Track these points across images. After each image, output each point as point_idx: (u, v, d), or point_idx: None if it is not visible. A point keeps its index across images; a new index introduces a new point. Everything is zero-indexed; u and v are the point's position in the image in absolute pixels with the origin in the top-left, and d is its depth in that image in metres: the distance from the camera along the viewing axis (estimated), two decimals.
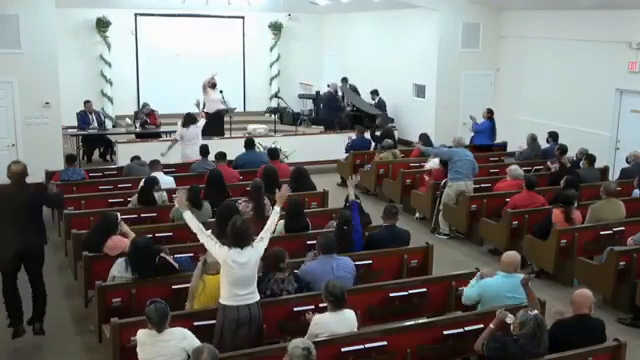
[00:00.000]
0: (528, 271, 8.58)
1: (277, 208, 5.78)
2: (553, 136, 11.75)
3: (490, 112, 13.26)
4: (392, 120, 16.15)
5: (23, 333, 6.51)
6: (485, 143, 12.73)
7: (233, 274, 5.22)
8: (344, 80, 16.99)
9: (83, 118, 14.14)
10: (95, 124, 14.29)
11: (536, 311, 4.93)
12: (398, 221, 7.46)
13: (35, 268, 6.50)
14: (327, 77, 19.03)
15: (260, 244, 5.42)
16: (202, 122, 11.84)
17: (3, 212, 6.31)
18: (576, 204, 8.43)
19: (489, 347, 4.94)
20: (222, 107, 14.02)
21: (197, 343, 4.79)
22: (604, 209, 8.43)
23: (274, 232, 7.37)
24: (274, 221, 5.62)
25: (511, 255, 6.00)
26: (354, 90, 16.89)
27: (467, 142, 12.38)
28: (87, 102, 14.37)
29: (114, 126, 16.26)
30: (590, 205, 8.58)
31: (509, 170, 10.06)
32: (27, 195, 6.37)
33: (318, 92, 17.98)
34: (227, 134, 14.70)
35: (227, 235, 5.39)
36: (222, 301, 5.31)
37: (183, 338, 4.82)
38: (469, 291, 6.00)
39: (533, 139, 11.98)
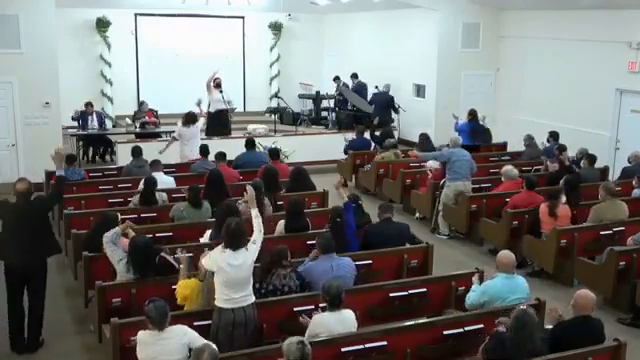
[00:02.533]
0: (528, 270, 8.62)
1: (254, 211, 5.66)
2: (554, 136, 11.75)
3: (471, 114, 13.11)
4: (393, 120, 16.06)
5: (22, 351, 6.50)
6: (464, 143, 12.60)
7: (227, 276, 5.23)
8: (354, 76, 16.82)
9: (83, 118, 14.12)
10: (95, 123, 14.25)
11: (526, 306, 4.97)
12: (394, 216, 7.48)
13: (37, 283, 6.49)
14: (327, 77, 19.02)
15: (253, 247, 5.43)
16: (201, 122, 11.83)
17: (10, 225, 6.34)
18: (563, 199, 8.45)
19: (488, 348, 4.94)
20: (222, 107, 14.03)
21: (198, 338, 4.82)
22: (607, 211, 8.40)
23: (274, 232, 7.44)
24: (259, 223, 5.59)
25: (508, 255, 5.99)
26: (364, 87, 16.76)
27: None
28: (87, 104, 14.29)
29: (114, 126, 16.26)
30: (593, 206, 8.53)
31: (503, 172, 10.04)
32: (32, 209, 6.41)
33: (318, 92, 17.96)
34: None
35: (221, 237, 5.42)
36: (217, 303, 5.32)
37: (184, 334, 4.83)
38: (472, 297, 5.98)
39: (530, 138, 11.99)
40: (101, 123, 14.46)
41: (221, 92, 13.94)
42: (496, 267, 6.00)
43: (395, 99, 15.87)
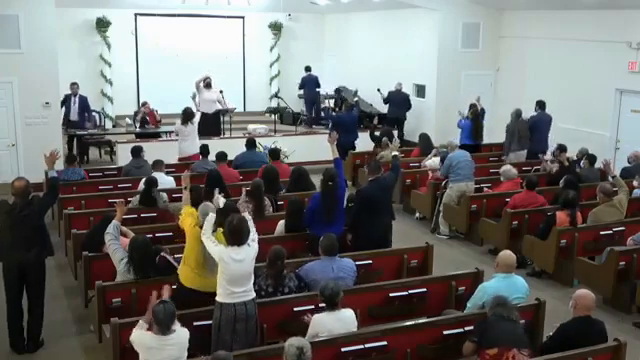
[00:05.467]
0: (528, 271, 8.62)
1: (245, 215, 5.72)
2: (540, 104, 11.93)
3: (472, 113, 13.07)
4: (406, 118, 15.94)
5: (22, 351, 6.51)
6: (467, 143, 12.56)
7: (230, 270, 5.26)
8: (308, 69, 17.20)
9: (66, 101, 13.81)
10: (77, 107, 13.91)
11: None
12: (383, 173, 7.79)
13: (35, 282, 6.48)
14: (327, 77, 19.04)
15: (254, 244, 5.48)
16: (197, 117, 11.86)
17: (8, 225, 6.34)
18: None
19: (472, 333, 5.25)
20: (219, 107, 14.01)
21: None
22: (604, 213, 8.41)
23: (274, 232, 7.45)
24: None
25: (509, 255, 5.98)
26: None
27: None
28: (73, 84, 13.91)
29: (114, 126, 16.24)
30: (593, 210, 8.52)
31: (502, 172, 10.04)
32: (30, 209, 6.39)
33: (318, 92, 17.95)
34: (227, 134, 14.70)
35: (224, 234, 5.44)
36: (219, 299, 5.35)
37: (187, 340, 4.88)
38: (471, 301, 5.97)
39: (517, 115, 12.07)
40: (83, 109, 14.02)
41: (221, 92, 13.94)
42: (496, 265, 6.00)
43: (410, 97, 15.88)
